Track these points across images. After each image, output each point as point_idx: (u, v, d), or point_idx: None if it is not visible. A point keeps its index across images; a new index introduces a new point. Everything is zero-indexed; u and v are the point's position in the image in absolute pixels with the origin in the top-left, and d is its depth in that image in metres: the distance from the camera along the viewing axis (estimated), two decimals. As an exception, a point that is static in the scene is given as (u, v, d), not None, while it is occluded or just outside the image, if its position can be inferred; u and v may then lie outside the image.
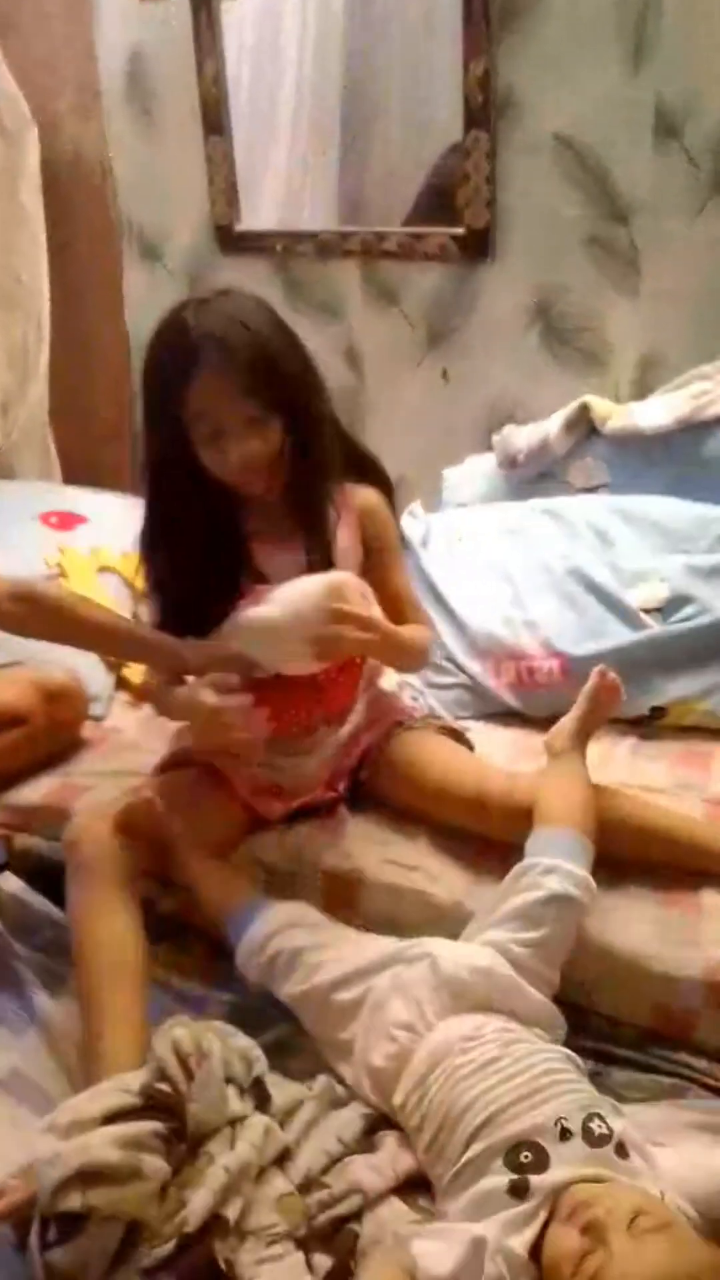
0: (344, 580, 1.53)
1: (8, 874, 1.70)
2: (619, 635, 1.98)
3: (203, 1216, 1.12)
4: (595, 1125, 1.16)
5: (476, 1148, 1.17)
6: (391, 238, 2.55)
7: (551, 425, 2.30)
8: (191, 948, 1.63)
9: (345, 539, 1.65)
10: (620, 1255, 1.01)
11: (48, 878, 1.64)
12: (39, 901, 1.65)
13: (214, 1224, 1.13)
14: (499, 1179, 1.13)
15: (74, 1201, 1.11)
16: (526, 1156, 1.14)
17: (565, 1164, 1.13)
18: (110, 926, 1.47)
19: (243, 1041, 1.32)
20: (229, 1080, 1.26)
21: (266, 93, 2.66)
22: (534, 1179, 1.12)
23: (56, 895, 1.59)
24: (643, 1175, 1.13)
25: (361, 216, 2.63)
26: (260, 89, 2.66)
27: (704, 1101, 1.36)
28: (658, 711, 1.94)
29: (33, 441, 3.00)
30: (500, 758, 1.83)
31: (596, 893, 1.46)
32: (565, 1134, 1.15)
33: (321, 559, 1.61)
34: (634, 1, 2.11)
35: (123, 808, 1.56)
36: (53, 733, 1.92)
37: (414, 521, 2.31)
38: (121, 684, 2.18)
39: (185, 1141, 1.20)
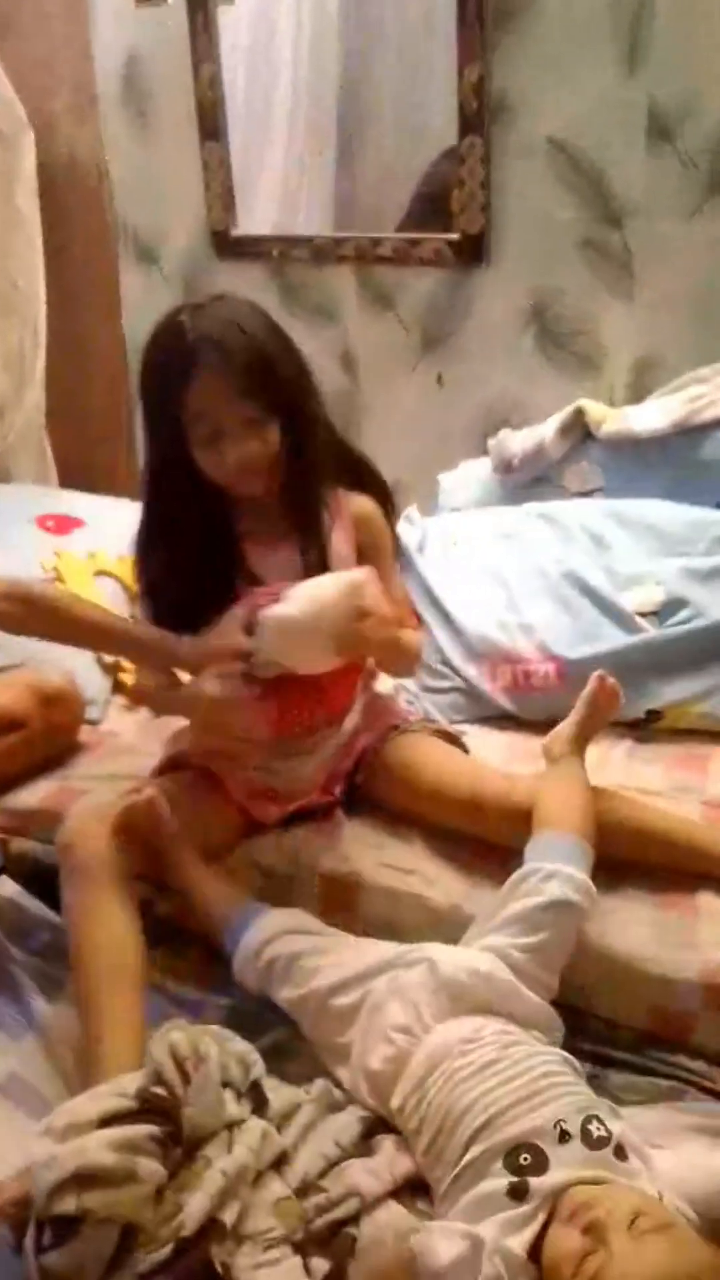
0: (364, 577, 1.53)
1: (4, 878, 1.70)
2: (615, 639, 1.99)
3: (199, 1220, 1.12)
4: (594, 1127, 1.16)
5: (476, 1150, 1.17)
6: (387, 243, 2.56)
7: (547, 429, 2.30)
8: (188, 952, 1.63)
9: (339, 544, 1.66)
10: (621, 1255, 1.02)
11: (44, 881, 1.63)
12: (35, 905, 1.65)
13: (211, 1228, 1.13)
14: (498, 1181, 1.13)
15: (69, 1204, 1.11)
16: (526, 1159, 1.14)
17: (564, 1166, 1.13)
18: (107, 929, 1.47)
19: (240, 1045, 1.32)
20: (226, 1084, 1.25)
21: (262, 96, 2.66)
22: (533, 1181, 1.12)
23: (53, 899, 1.58)
24: (641, 1177, 1.14)
25: (357, 221, 2.64)
26: (256, 92, 2.67)
27: (701, 1104, 1.36)
28: (654, 715, 1.94)
29: (29, 445, 3.00)
30: (496, 761, 1.83)
31: (597, 897, 1.46)
32: (564, 1136, 1.15)
33: (317, 561, 1.62)
34: (628, 4, 2.12)
35: (123, 808, 1.55)
36: (49, 737, 1.92)
37: (409, 526, 2.32)
38: (118, 688, 2.18)
39: (181, 1145, 1.20)
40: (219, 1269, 1.12)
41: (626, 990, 1.47)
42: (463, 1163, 1.17)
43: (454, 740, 1.82)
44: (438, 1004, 1.34)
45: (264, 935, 1.49)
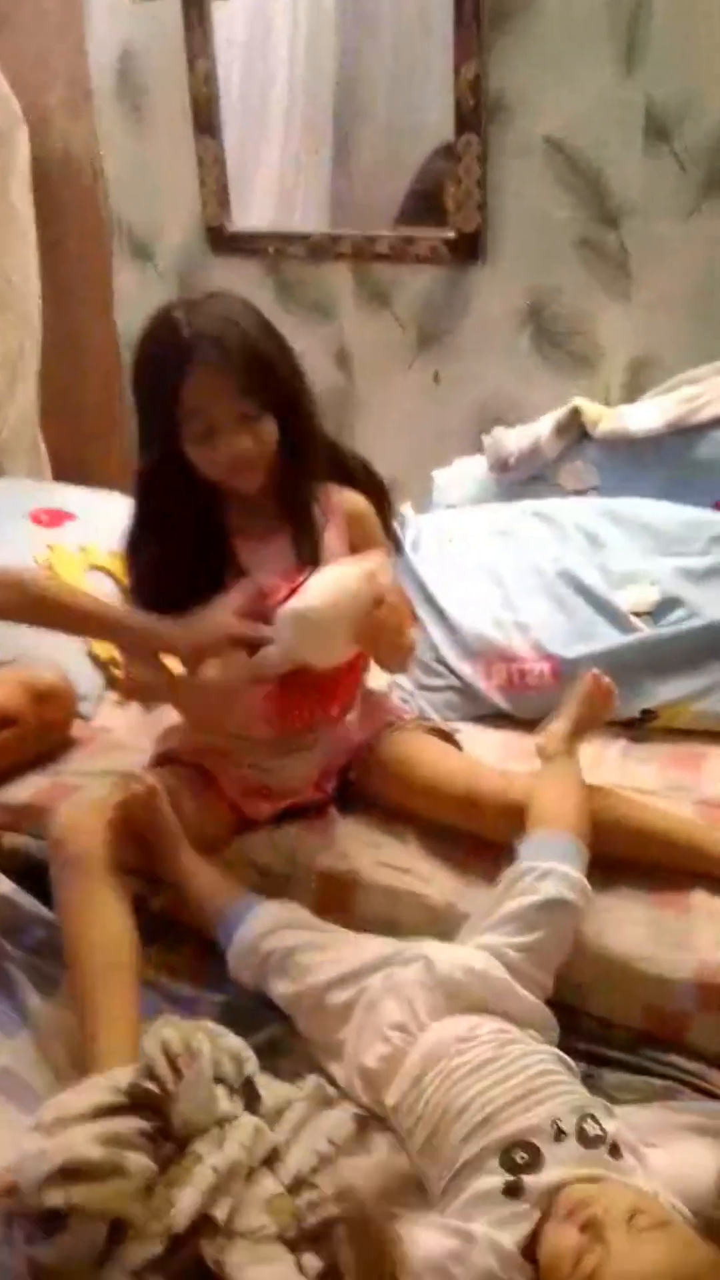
0: (377, 563, 1.53)
1: (-3, 874, 1.70)
2: (609, 638, 1.99)
3: (191, 1217, 1.12)
4: (589, 1126, 1.16)
5: (472, 1148, 1.17)
6: (383, 240, 2.56)
7: (542, 428, 2.30)
8: (181, 948, 1.62)
9: (332, 540, 1.66)
10: (619, 1253, 1.02)
11: (37, 877, 1.63)
12: (29, 902, 1.64)
13: (203, 1225, 1.13)
14: (494, 1179, 1.13)
15: (56, 1198, 1.11)
16: (522, 1157, 1.14)
17: (560, 1164, 1.12)
18: (101, 924, 1.46)
19: (233, 1041, 1.31)
20: (219, 1080, 1.25)
21: (258, 91, 2.66)
22: (528, 1180, 1.12)
23: (46, 895, 1.58)
24: (636, 1176, 1.14)
25: (352, 217, 2.64)
26: (252, 88, 2.66)
27: (696, 1104, 1.36)
28: (648, 714, 1.94)
29: (23, 440, 2.99)
30: (490, 760, 1.82)
31: (592, 896, 1.46)
32: (560, 1135, 1.15)
33: (311, 556, 1.61)
34: (626, 4, 2.12)
35: (121, 800, 1.54)
36: (42, 733, 1.91)
37: (404, 523, 2.31)
38: (111, 683, 2.17)
39: (172, 1140, 1.20)
40: (211, 1266, 1.12)
41: (622, 989, 1.47)
42: (459, 1161, 1.17)
43: (448, 738, 1.82)
44: (433, 1002, 1.34)
45: (260, 929, 1.49)
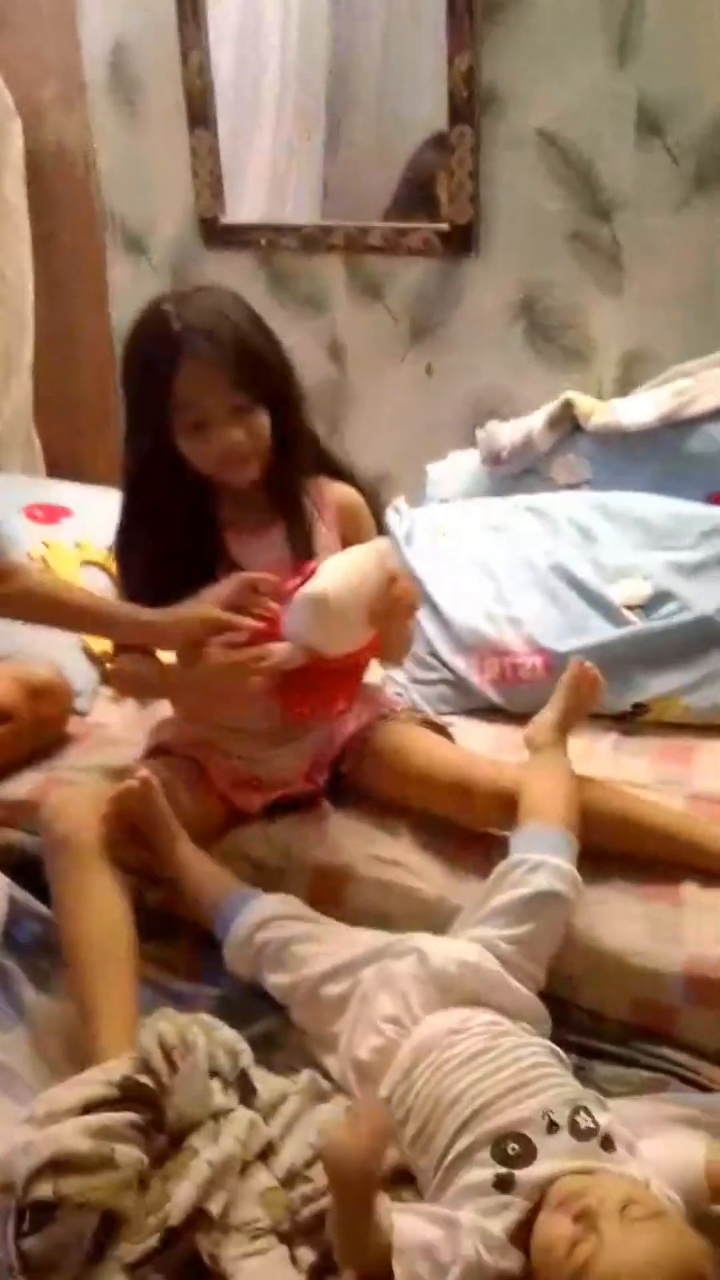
0: (386, 545, 1.54)
1: (-9, 869, 1.70)
2: (602, 631, 2.00)
3: (186, 1210, 1.13)
4: (581, 1119, 1.17)
5: (464, 1140, 1.17)
6: (376, 232, 2.55)
7: (535, 421, 2.30)
8: (177, 942, 1.63)
9: (324, 533, 1.66)
10: (612, 1242, 1.03)
11: (32, 874, 1.63)
12: (23, 897, 1.65)
13: (198, 1218, 1.14)
14: (485, 1171, 1.14)
15: (45, 1190, 1.12)
16: (514, 1149, 1.15)
17: (552, 1157, 1.13)
18: (96, 908, 1.47)
19: (228, 1035, 1.32)
20: (214, 1073, 1.26)
21: (251, 83, 2.65)
22: (519, 1173, 1.13)
23: (42, 892, 1.59)
24: (628, 1167, 1.15)
25: (345, 209, 2.63)
26: (244, 79, 2.65)
27: (685, 1095, 1.37)
28: (640, 708, 1.95)
29: (17, 435, 2.99)
30: (482, 753, 1.84)
31: (583, 888, 1.47)
32: (552, 1127, 1.16)
33: (304, 550, 1.62)
34: (619, -3, 2.13)
35: (116, 794, 1.54)
36: (37, 729, 1.91)
37: (397, 517, 2.32)
38: (106, 679, 2.17)
39: (165, 1133, 1.21)
40: (206, 1259, 1.13)
41: (612, 982, 1.48)
42: (451, 1153, 1.18)
43: (441, 730, 1.83)
44: (426, 994, 1.35)
45: (256, 920, 1.50)
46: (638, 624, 1.99)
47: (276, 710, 1.59)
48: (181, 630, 1.53)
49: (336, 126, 2.62)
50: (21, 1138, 1.18)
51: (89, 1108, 1.19)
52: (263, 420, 1.54)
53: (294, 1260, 1.16)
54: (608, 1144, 1.16)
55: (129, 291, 2.94)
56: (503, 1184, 1.13)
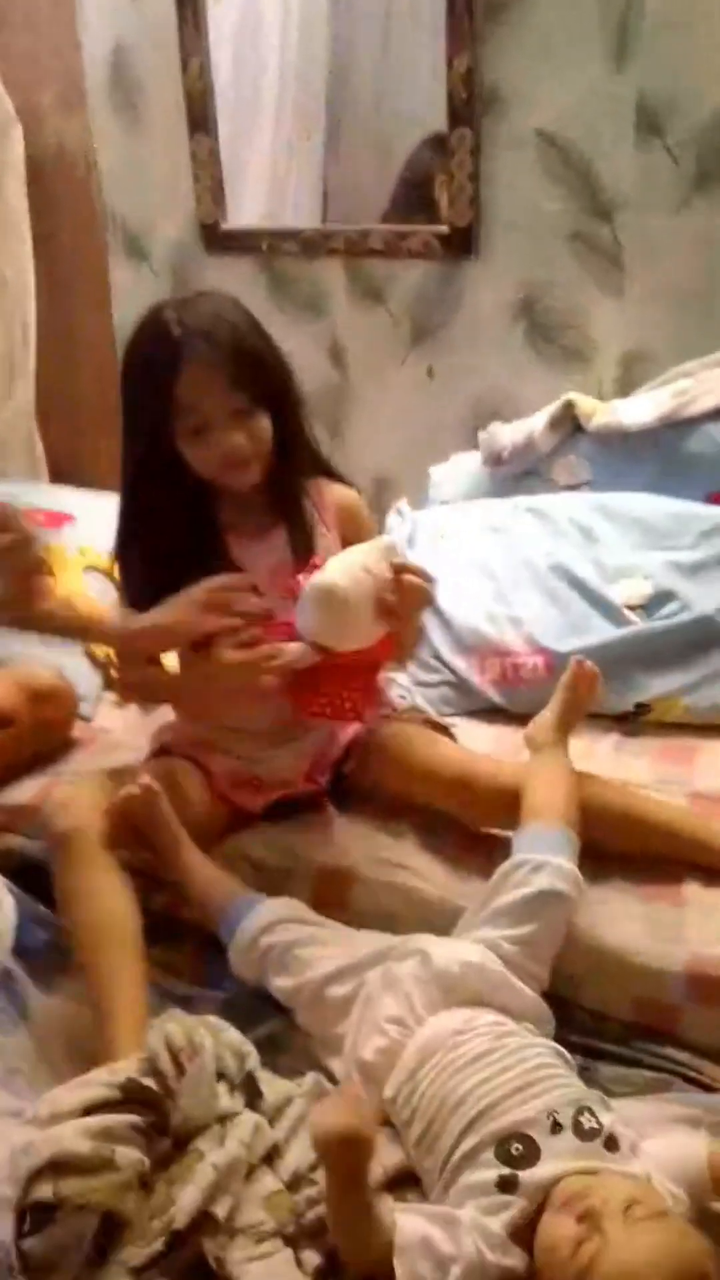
0: (391, 540, 1.54)
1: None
2: (603, 631, 2.00)
3: (191, 1214, 1.13)
4: (585, 1119, 1.18)
5: (469, 1141, 1.18)
6: (376, 235, 2.56)
7: (536, 423, 2.31)
8: (182, 946, 1.64)
9: (324, 535, 1.67)
10: (616, 1243, 1.03)
11: (36, 878, 1.64)
12: (26, 900, 1.65)
13: (203, 1222, 1.14)
14: (488, 1172, 1.14)
15: (45, 1191, 1.13)
16: (517, 1149, 1.15)
17: (556, 1157, 1.14)
18: (99, 899, 1.49)
19: (235, 1037, 1.33)
20: (220, 1076, 1.26)
21: (251, 86, 2.65)
22: (523, 1174, 1.13)
23: (43, 895, 1.59)
24: (632, 1166, 1.15)
25: (346, 213, 2.64)
26: (245, 83, 2.66)
27: (688, 1095, 1.37)
28: (641, 708, 1.95)
29: (19, 440, 2.99)
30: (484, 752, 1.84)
31: (585, 888, 1.47)
32: (556, 1127, 1.16)
33: (305, 551, 1.63)
34: (617, -1, 2.13)
35: (119, 799, 1.55)
36: (39, 733, 1.92)
37: (400, 519, 2.32)
38: (109, 684, 2.18)
39: (169, 1135, 1.21)
40: (212, 1263, 1.13)
41: (614, 981, 1.48)
42: (456, 1153, 1.19)
43: (443, 731, 1.83)
44: (430, 996, 1.36)
45: (261, 923, 1.50)
46: (638, 624, 1.99)
47: (285, 709, 1.59)
48: (184, 622, 1.55)
49: (336, 129, 2.63)
50: (23, 1138, 1.18)
51: (91, 1109, 1.20)
52: (263, 423, 1.55)
53: (299, 1263, 1.16)
54: (611, 1144, 1.17)
55: (130, 295, 2.95)
56: (506, 1184, 1.13)
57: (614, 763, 1.84)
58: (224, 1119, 1.24)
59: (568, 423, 2.31)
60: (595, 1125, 1.18)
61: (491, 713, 2.02)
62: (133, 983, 1.43)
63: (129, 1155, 1.17)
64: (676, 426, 2.20)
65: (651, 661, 1.96)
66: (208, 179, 2.73)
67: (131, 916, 1.49)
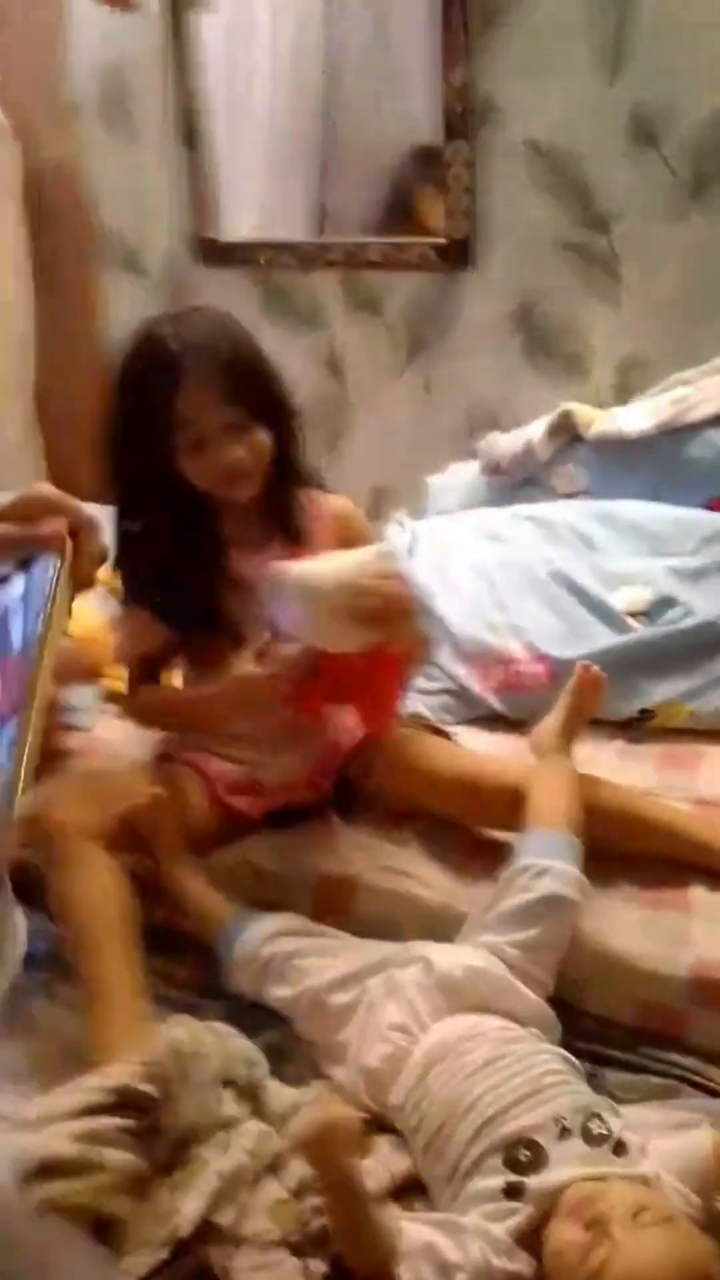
0: (382, 548, 1.54)
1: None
2: (604, 638, 2.00)
3: (195, 1222, 1.12)
4: (594, 1125, 1.17)
5: (477, 1147, 1.17)
6: (373, 247, 2.57)
7: (534, 432, 2.31)
8: (184, 957, 1.62)
9: (324, 545, 1.67)
10: (625, 1249, 1.03)
11: (35, 889, 1.63)
12: (26, 910, 1.64)
13: (207, 1230, 1.13)
14: (496, 1179, 1.13)
15: (32, 1195, 1.11)
16: (525, 1155, 1.14)
17: (564, 1163, 1.13)
18: (92, 886, 1.48)
19: (242, 1044, 1.32)
20: (228, 1083, 1.26)
21: (244, 102, 2.67)
22: (530, 1180, 1.12)
23: (41, 904, 1.58)
24: (640, 1168, 1.14)
25: (341, 226, 2.65)
26: (238, 99, 2.67)
27: (696, 1101, 1.36)
28: (645, 714, 1.95)
29: (19, 453, 2.99)
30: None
31: (590, 892, 1.46)
32: (564, 1133, 1.15)
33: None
34: (611, 9, 2.14)
35: (125, 810, 1.56)
36: None
37: (399, 529, 2.32)
38: (110, 696, 2.17)
39: (165, 1140, 1.20)
40: (217, 1272, 1.12)
41: (618, 986, 1.47)
42: (463, 1160, 1.17)
43: (443, 737, 1.83)
44: (434, 1002, 1.35)
45: (261, 935, 1.49)
46: (640, 630, 1.99)
47: (287, 713, 1.60)
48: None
49: (331, 146, 2.64)
50: (7, 1143, 1.17)
51: (79, 1113, 1.19)
52: (261, 437, 1.55)
53: (305, 1272, 1.15)
54: (620, 1150, 1.16)
55: (127, 310, 2.96)
56: (513, 1191, 1.12)
57: (618, 769, 1.83)
58: (229, 1126, 1.23)
59: (565, 432, 2.31)
60: (603, 1131, 1.17)
61: (493, 720, 2.01)
62: (127, 979, 1.42)
63: (119, 1158, 1.15)
64: (675, 434, 2.21)
65: (654, 667, 1.96)
66: (202, 193, 2.75)
67: (122, 897, 1.49)
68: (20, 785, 0.67)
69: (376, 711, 1.66)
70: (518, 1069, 1.23)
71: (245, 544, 1.65)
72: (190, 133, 2.71)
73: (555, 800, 1.54)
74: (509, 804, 1.57)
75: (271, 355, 1.59)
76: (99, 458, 1.63)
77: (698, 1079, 1.39)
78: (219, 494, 1.58)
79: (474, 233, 2.43)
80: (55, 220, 2.96)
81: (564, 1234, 1.07)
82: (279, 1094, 1.31)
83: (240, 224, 2.78)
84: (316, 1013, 1.42)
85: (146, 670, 1.71)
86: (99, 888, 1.49)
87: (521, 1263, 1.08)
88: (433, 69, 2.33)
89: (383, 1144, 1.29)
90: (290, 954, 1.47)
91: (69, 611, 0.91)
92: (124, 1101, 1.20)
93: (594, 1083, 1.33)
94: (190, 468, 1.54)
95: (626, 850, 1.58)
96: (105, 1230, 1.13)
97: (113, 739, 2.06)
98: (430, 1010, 1.34)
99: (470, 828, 1.70)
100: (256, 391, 1.54)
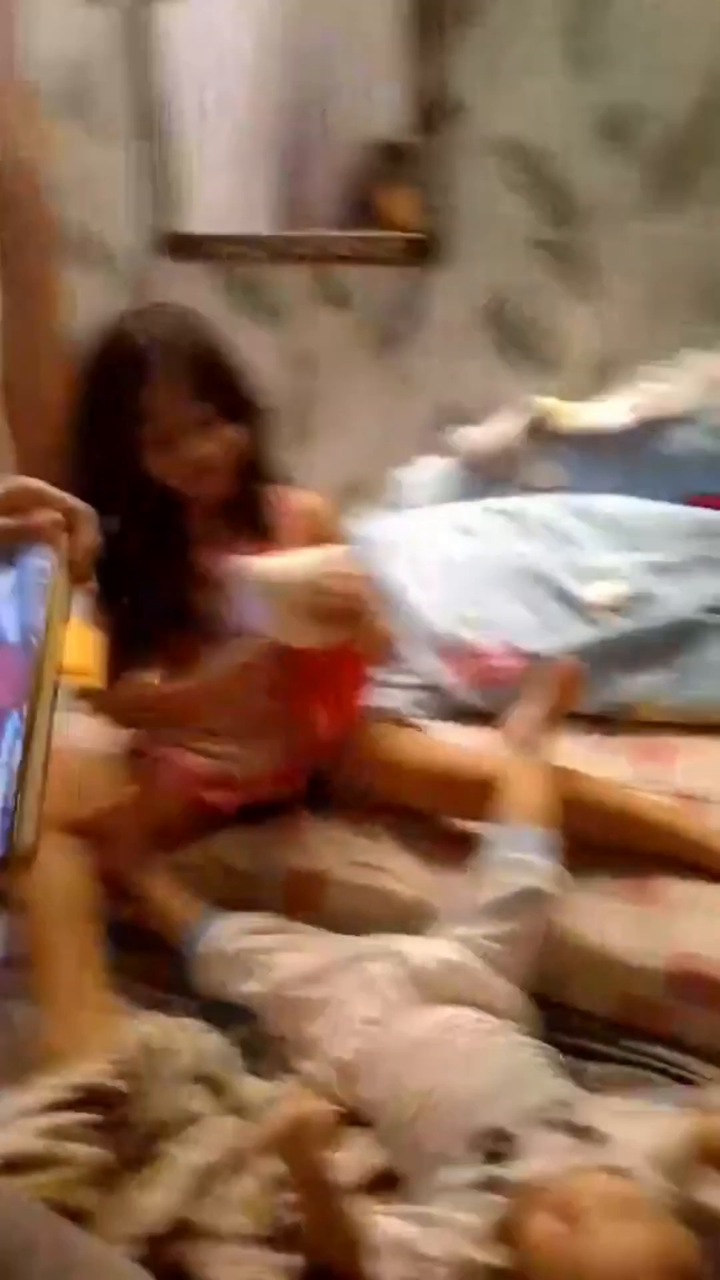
0: (342, 549, 1.54)
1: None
2: (578, 633, 1.99)
3: (167, 1218, 1.11)
4: (570, 1116, 1.16)
5: (454, 1139, 1.16)
6: (342, 242, 2.56)
7: (507, 427, 2.31)
8: (155, 954, 1.60)
9: (292, 541, 1.65)
10: (605, 1240, 1.02)
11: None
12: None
13: (181, 1227, 1.12)
14: (471, 1171, 1.12)
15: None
16: (501, 1147, 1.14)
17: (541, 1155, 1.12)
18: (46, 871, 1.47)
19: (214, 1040, 1.31)
20: (200, 1079, 1.24)
21: (209, 93, 2.65)
22: (506, 1173, 1.11)
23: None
24: (614, 1159, 1.13)
25: (310, 220, 2.64)
26: (201, 90, 2.65)
27: (673, 1091, 1.36)
28: (621, 708, 1.95)
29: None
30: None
31: (568, 885, 1.46)
32: (541, 1125, 1.15)
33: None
34: (582, 5, 2.14)
35: (87, 814, 1.54)
36: None
37: (369, 524, 2.31)
38: (82, 694, 2.14)
39: (133, 1134, 1.19)
40: (190, 1268, 1.11)
41: (597, 979, 1.47)
42: (437, 1152, 1.17)
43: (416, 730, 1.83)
44: (408, 995, 1.34)
45: (228, 932, 1.49)
46: (615, 625, 1.98)
47: (261, 705, 1.60)
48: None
49: (298, 140, 2.63)
50: None
51: (44, 1110, 1.17)
52: (230, 432, 1.54)
53: (279, 1268, 1.14)
54: (597, 1141, 1.15)
55: (91, 304, 2.93)
56: (489, 1183, 1.11)
57: (594, 763, 1.81)
58: (201, 1122, 1.21)
59: (538, 427, 2.31)
60: (580, 1123, 1.16)
61: (467, 715, 2.00)
62: (90, 972, 1.41)
63: (84, 1152, 1.14)
64: (648, 429, 2.20)
65: (630, 662, 1.96)
66: (164, 185, 2.72)
67: (88, 903, 1.47)
68: (33, 780, 0.65)
69: (339, 708, 1.67)
70: (492, 1061, 1.23)
71: (213, 541, 1.63)
72: (152, 125, 2.69)
73: (531, 793, 1.53)
74: (481, 795, 1.56)
75: (239, 350, 1.57)
76: (64, 453, 1.61)
77: (675, 1070, 1.39)
78: (188, 490, 1.56)
79: (444, 228, 2.42)
80: (16, 212, 2.92)
81: (543, 1226, 1.06)
82: (251, 1089, 1.30)
83: (205, 218, 2.75)
84: (287, 1007, 1.41)
85: (119, 667, 1.70)
86: (63, 881, 1.47)
87: (498, 1257, 1.07)
88: (402, 65, 2.32)
89: (355, 1138, 1.27)
90: (257, 950, 1.46)
91: (69, 605, 0.90)
92: (92, 1097, 1.19)
93: (571, 1074, 1.32)
94: (158, 464, 1.52)
95: (605, 843, 1.58)
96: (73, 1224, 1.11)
97: (82, 735, 2.05)
98: (404, 1003, 1.33)
99: (444, 820, 1.70)
100: (224, 387, 1.52)
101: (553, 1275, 1.03)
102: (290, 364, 2.68)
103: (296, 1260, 1.14)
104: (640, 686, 1.95)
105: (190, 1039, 1.28)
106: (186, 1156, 1.17)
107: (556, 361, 2.42)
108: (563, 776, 1.59)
